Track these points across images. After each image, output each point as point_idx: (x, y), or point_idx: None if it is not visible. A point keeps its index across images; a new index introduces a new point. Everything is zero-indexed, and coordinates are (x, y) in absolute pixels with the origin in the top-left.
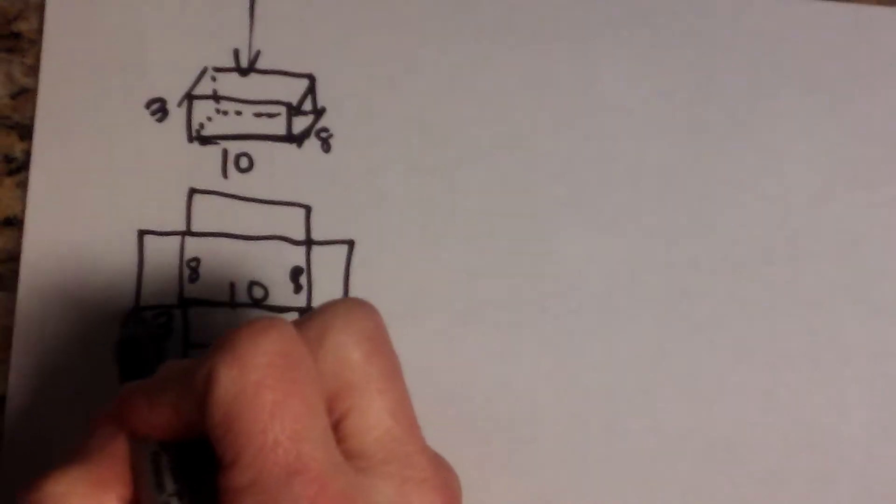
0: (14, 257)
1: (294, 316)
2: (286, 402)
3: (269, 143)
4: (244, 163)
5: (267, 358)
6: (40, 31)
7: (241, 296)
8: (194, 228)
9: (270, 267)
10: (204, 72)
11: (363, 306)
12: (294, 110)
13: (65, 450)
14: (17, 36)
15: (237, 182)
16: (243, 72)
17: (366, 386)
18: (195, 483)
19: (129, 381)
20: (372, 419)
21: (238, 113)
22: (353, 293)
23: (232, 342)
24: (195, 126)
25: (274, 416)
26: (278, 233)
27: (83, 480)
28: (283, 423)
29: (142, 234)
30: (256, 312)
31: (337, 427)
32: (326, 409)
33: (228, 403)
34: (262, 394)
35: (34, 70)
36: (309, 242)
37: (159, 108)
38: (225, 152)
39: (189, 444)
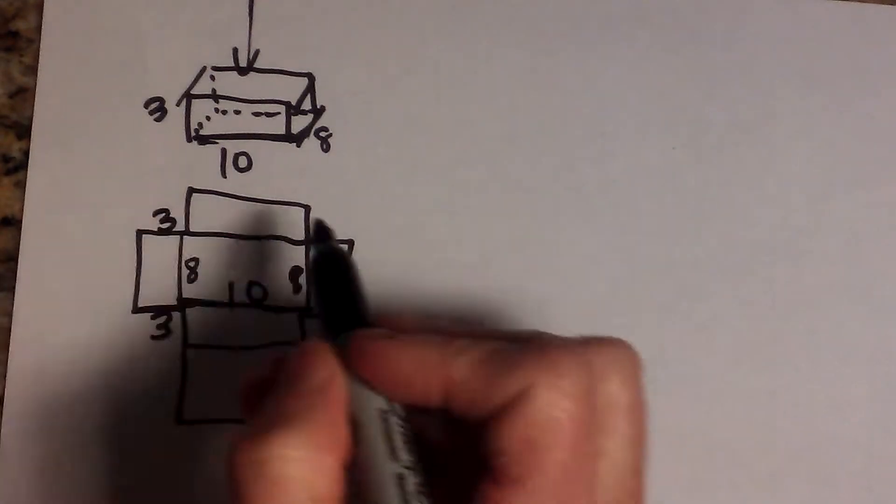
0: (12, 257)
1: (293, 316)
2: (585, 443)
3: (269, 142)
4: (243, 162)
5: (582, 393)
6: (38, 29)
7: (241, 296)
8: (193, 228)
9: (270, 267)
10: (203, 71)
11: (635, 354)
12: (293, 109)
13: (275, 396)
14: (15, 35)
15: (236, 181)
16: (242, 71)
17: (624, 434)
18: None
19: (328, 302)
20: (619, 467)
21: (237, 112)
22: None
23: (555, 363)
24: (194, 125)
25: (576, 453)
26: (278, 232)
27: (307, 444)
28: (581, 461)
29: (140, 233)
30: (256, 312)
31: None
32: None
33: (537, 424)
34: (572, 427)
35: (32, 69)
36: (308, 242)
37: (158, 108)
38: (224, 152)
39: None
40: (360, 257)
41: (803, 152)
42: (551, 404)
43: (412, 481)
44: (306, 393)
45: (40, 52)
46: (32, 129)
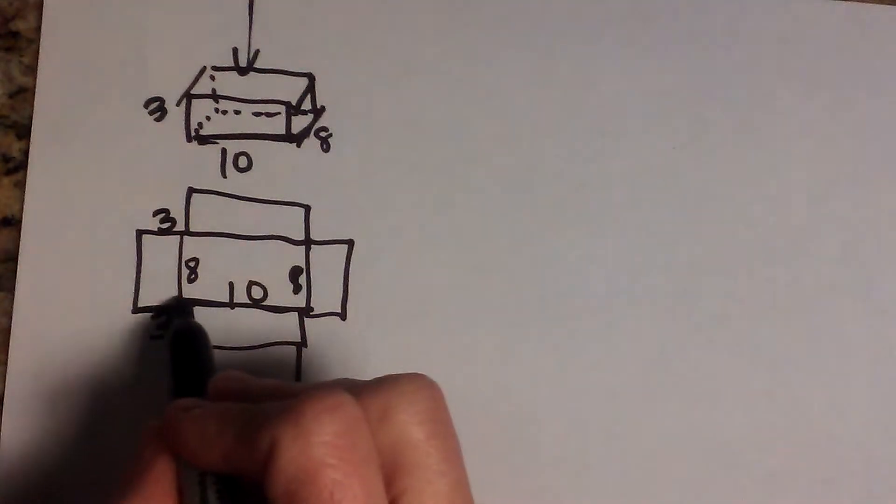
0: (12, 257)
1: (293, 316)
2: (347, 483)
3: (269, 142)
4: (243, 162)
5: (330, 437)
6: (38, 29)
7: (240, 296)
8: (193, 228)
9: (270, 267)
10: (203, 71)
11: (427, 385)
12: (293, 109)
13: (120, 474)
14: (15, 35)
15: (236, 182)
16: (242, 71)
17: (425, 467)
18: None
19: (180, 383)
20: (428, 500)
21: (237, 112)
22: (352, 293)
23: (298, 414)
24: (194, 125)
25: (333, 496)
26: (277, 232)
27: None
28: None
29: (140, 233)
30: (256, 312)
31: None
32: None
33: (290, 478)
34: (324, 472)
35: (32, 69)
36: (308, 242)
37: (158, 108)
38: (224, 152)
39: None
40: (359, 257)
41: (803, 152)
42: (298, 455)
43: None
44: (135, 471)
45: (40, 52)
46: (32, 128)
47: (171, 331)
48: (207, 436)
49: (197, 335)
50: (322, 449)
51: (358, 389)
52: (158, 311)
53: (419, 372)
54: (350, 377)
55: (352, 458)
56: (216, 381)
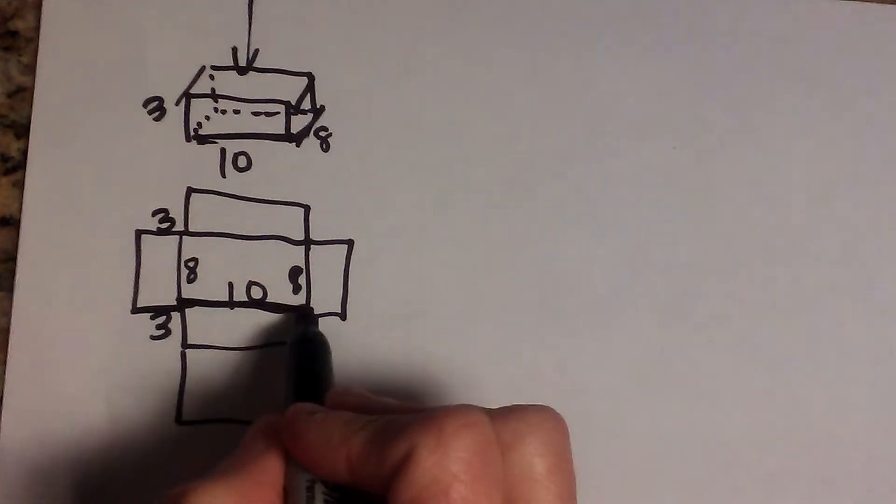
0: (11, 257)
1: (293, 316)
2: (474, 501)
3: (268, 142)
4: (242, 162)
5: (467, 453)
6: (37, 29)
7: (240, 296)
8: (192, 228)
9: (269, 267)
10: (202, 70)
11: (556, 419)
12: (293, 109)
13: (223, 459)
14: (13, 34)
15: (235, 181)
16: (242, 70)
17: (542, 501)
18: None
19: (299, 388)
20: None
21: (236, 112)
22: (352, 293)
23: (439, 426)
24: (193, 125)
25: None
26: (277, 232)
27: (229, 495)
28: None
29: (139, 233)
30: (256, 312)
31: None
32: None
33: (422, 487)
34: (456, 488)
35: (31, 69)
36: (308, 242)
37: (157, 107)
38: (223, 151)
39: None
40: (359, 257)
41: (803, 152)
42: (434, 465)
43: None
44: (243, 458)
45: (39, 52)
46: (31, 128)
47: (296, 335)
48: (332, 441)
49: (321, 344)
50: (458, 464)
51: (490, 413)
52: (158, 311)
53: (547, 405)
54: (351, 377)
55: (483, 478)
56: (335, 394)
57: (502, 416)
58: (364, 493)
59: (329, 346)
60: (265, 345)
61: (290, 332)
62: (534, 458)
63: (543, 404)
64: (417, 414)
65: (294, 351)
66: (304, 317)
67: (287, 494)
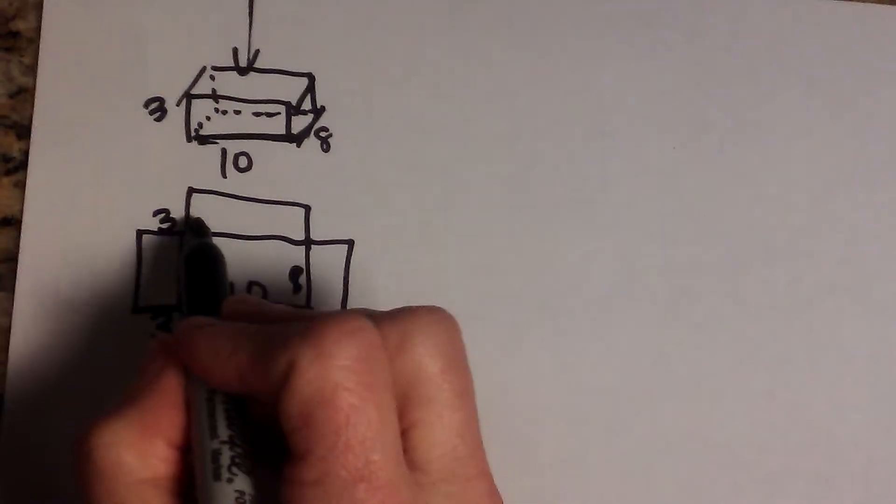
0: (12, 257)
1: None
2: (362, 408)
3: (269, 142)
4: (243, 162)
5: (349, 361)
6: (38, 29)
7: None
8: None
9: (269, 267)
10: (203, 71)
11: (446, 319)
12: (293, 109)
13: (125, 388)
14: (15, 35)
15: (236, 182)
16: (242, 71)
17: (438, 401)
18: (249, 435)
19: (193, 302)
20: (439, 435)
21: (237, 112)
22: (352, 293)
23: (319, 336)
24: (194, 125)
25: (349, 420)
26: (277, 232)
27: (130, 427)
28: (356, 428)
29: (140, 233)
30: None
31: (402, 437)
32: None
33: (306, 399)
34: (341, 396)
35: (32, 69)
36: (308, 242)
37: (158, 108)
38: (224, 152)
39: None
40: (359, 257)
41: (803, 152)
42: (316, 376)
43: (228, 454)
44: (140, 384)
45: (40, 52)
46: (32, 129)
47: (187, 248)
48: (221, 354)
49: (213, 255)
50: (341, 372)
51: (376, 318)
52: (158, 311)
53: (437, 305)
54: None
55: (369, 383)
56: (230, 302)
57: (389, 318)
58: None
59: (224, 258)
60: None
61: (183, 245)
62: (424, 357)
63: (433, 305)
64: (300, 323)
65: (186, 265)
66: (195, 229)
67: (189, 408)
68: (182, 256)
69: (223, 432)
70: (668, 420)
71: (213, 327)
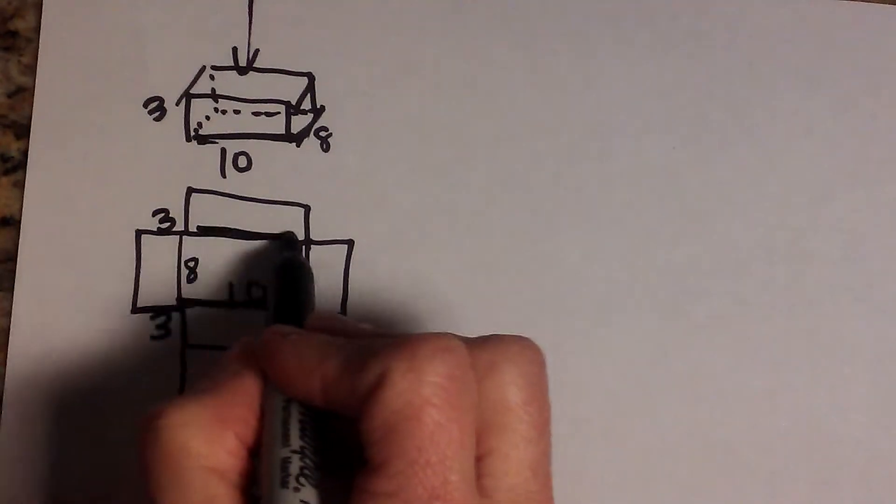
0: (11, 257)
1: None
2: (447, 427)
3: (268, 142)
4: (243, 162)
5: (441, 378)
6: (37, 29)
7: (240, 296)
8: (192, 228)
9: (269, 267)
10: (202, 70)
11: (533, 349)
12: (293, 109)
13: (199, 379)
14: (13, 34)
15: (236, 181)
16: (242, 70)
17: (517, 432)
18: (320, 447)
19: (280, 311)
20: (512, 466)
21: (236, 112)
22: (352, 293)
23: (412, 351)
24: (193, 125)
25: (433, 437)
26: (277, 232)
27: (204, 413)
28: (439, 445)
29: (139, 233)
30: (256, 313)
31: (477, 463)
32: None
33: (394, 410)
34: (428, 412)
35: (31, 69)
36: (308, 242)
37: (157, 107)
38: (223, 151)
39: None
40: (359, 257)
41: (803, 152)
42: (407, 389)
43: (297, 465)
44: (220, 378)
45: (39, 52)
46: (31, 128)
47: (280, 260)
48: (307, 363)
49: (304, 270)
50: (431, 388)
51: (466, 341)
52: (158, 311)
53: (524, 336)
54: None
55: (457, 403)
56: (315, 317)
57: (479, 344)
58: (339, 415)
59: (312, 273)
60: None
61: (274, 258)
62: (509, 386)
63: (521, 335)
64: (392, 338)
65: (277, 275)
66: (288, 243)
67: (264, 415)
68: (274, 268)
69: (296, 442)
70: (669, 420)
71: (300, 337)
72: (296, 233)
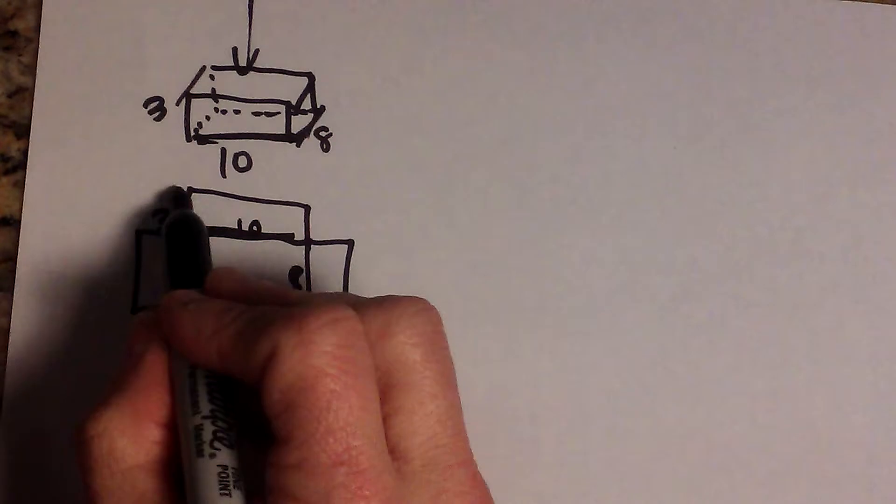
0: (11, 257)
1: None
2: (344, 394)
3: (268, 142)
4: (243, 162)
5: (331, 347)
6: (37, 29)
7: None
8: None
9: (269, 267)
10: (202, 70)
11: (426, 308)
12: (293, 109)
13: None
14: (13, 34)
15: (236, 181)
16: (242, 70)
17: (419, 388)
18: (232, 408)
19: (176, 275)
20: (419, 423)
21: (237, 112)
22: (352, 293)
23: (301, 324)
24: (193, 125)
25: (330, 406)
26: (277, 232)
27: (121, 414)
28: (337, 413)
29: (139, 233)
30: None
31: (384, 424)
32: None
33: (288, 384)
34: (323, 382)
35: (31, 69)
36: (308, 242)
37: (157, 107)
38: (223, 151)
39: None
40: (359, 257)
41: (804, 152)
42: (298, 362)
43: (209, 430)
44: (126, 366)
45: (39, 52)
46: (31, 128)
47: (168, 220)
48: (204, 332)
49: (195, 226)
50: (323, 359)
51: (359, 305)
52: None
53: (419, 296)
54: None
55: (351, 370)
56: (214, 276)
57: (373, 307)
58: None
59: (205, 229)
60: None
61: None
62: (407, 347)
63: (417, 296)
64: (282, 309)
65: (168, 235)
66: (177, 199)
67: (172, 382)
68: (164, 227)
69: (205, 407)
70: (669, 420)
71: (197, 304)
72: (295, 233)
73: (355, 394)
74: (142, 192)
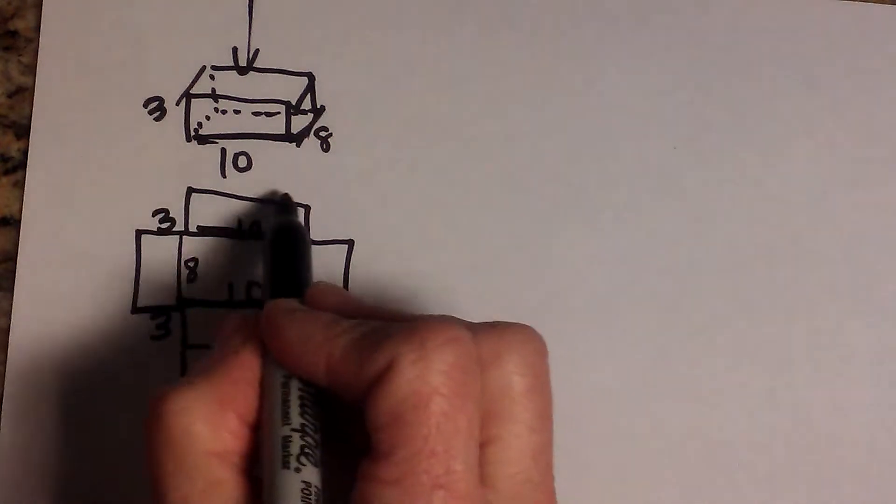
0: (11, 257)
1: None
2: (453, 416)
3: (268, 142)
4: (243, 162)
5: (448, 367)
6: (37, 29)
7: (240, 296)
8: (192, 228)
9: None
10: (202, 70)
11: (536, 339)
12: (293, 109)
13: (201, 360)
14: (13, 34)
15: (236, 181)
16: (242, 70)
17: (519, 420)
18: (320, 425)
19: (277, 283)
20: (514, 455)
21: (237, 112)
22: (352, 293)
23: (422, 339)
24: (193, 125)
25: (439, 427)
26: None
27: (204, 397)
28: (444, 435)
29: (139, 233)
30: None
31: (480, 450)
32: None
33: (401, 398)
34: (436, 401)
35: (31, 69)
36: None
37: (157, 107)
38: (223, 151)
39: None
40: (359, 257)
41: (803, 152)
42: (416, 377)
43: (298, 444)
44: (219, 356)
45: (39, 52)
46: (31, 128)
47: (274, 226)
48: (312, 342)
49: (300, 235)
50: (439, 378)
51: (471, 327)
52: (158, 311)
53: (527, 324)
54: None
55: (463, 392)
56: (317, 289)
57: (484, 332)
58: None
59: (308, 237)
60: None
61: (269, 222)
62: (512, 376)
63: (524, 323)
64: (400, 324)
65: (271, 242)
66: (282, 206)
67: (263, 391)
68: (268, 234)
69: (296, 419)
70: (669, 420)
71: (305, 314)
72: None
73: (464, 417)
74: (142, 192)
